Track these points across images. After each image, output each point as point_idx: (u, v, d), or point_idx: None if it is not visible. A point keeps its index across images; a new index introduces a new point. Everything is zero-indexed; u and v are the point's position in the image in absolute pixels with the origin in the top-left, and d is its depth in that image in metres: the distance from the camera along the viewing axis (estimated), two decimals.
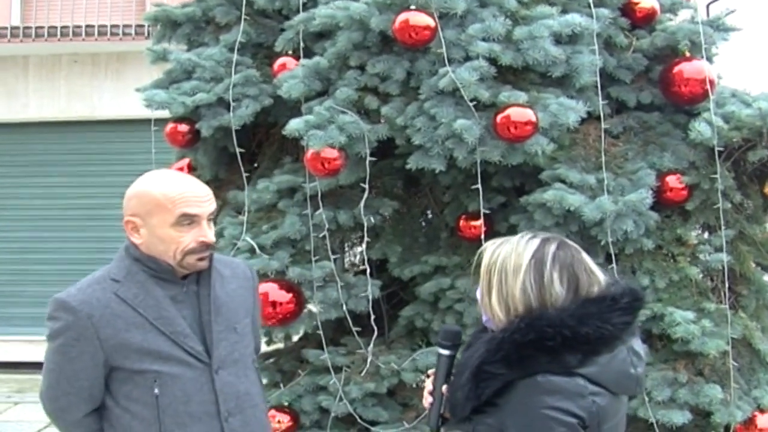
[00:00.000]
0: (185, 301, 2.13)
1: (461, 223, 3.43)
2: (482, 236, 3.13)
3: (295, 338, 3.97)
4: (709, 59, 3.56)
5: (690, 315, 3.11)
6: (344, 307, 3.39)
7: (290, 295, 3.31)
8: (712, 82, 3.30)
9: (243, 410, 2.16)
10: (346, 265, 4.13)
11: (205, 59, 3.65)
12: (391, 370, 3.39)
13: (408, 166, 3.23)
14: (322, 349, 3.46)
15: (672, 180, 3.30)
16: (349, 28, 3.23)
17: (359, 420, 3.36)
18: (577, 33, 3.17)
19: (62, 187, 9.92)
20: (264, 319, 3.17)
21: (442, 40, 3.08)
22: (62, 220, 9.91)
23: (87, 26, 9.38)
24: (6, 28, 9.48)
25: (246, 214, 3.53)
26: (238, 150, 3.57)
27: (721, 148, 3.25)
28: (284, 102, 3.48)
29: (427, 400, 2.03)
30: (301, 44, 3.51)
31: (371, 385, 3.37)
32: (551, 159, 3.24)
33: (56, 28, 9.38)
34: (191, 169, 3.93)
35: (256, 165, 4.00)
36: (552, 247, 1.81)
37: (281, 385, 3.53)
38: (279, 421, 3.31)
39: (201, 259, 2.11)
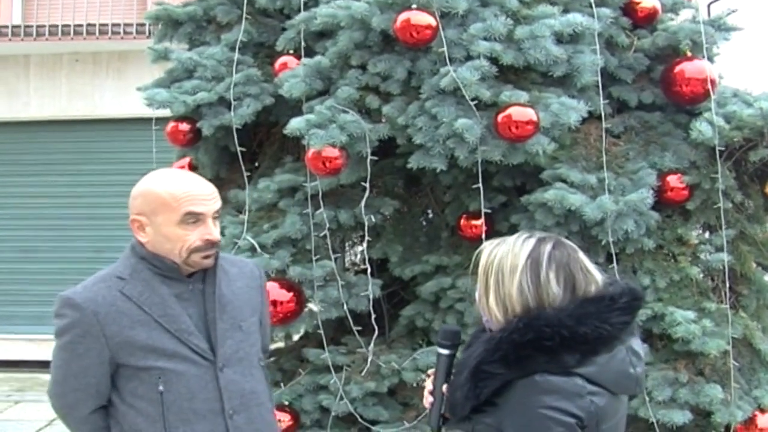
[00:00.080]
0: (191, 299, 2.15)
1: (462, 222, 3.43)
2: (483, 236, 3.13)
3: (296, 337, 3.97)
4: (711, 59, 3.56)
5: (691, 315, 3.11)
6: (345, 307, 3.40)
7: (291, 294, 3.31)
8: (713, 82, 3.30)
9: (248, 408, 2.17)
10: (347, 265, 4.13)
11: (206, 58, 3.65)
12: (392, 369, 3.39)
13: (409, 166, 3.23)
14: (323, 348, 3.47)
15: (673, 180, 3.30)
16: (351, 27, 3.23)
17: (360, 419, 3.37)
18: (578, 32, 3.17)
19: (63, 186, 9.92)
20: None
21: (444, 40, 3.08)
22: (63, 219, 9.91)
23: (88, 25, 9.38)
24: (7, 26, 9.48)
25: (247, 213, 3.54)
26: (239, 149, 3.57)
27: (722, 148, 3.25)
28: (285, 101, 3.48)
29: (427, 399, 2.03)
30: (303, 43, 3.51)
31: (372, 384, 3.37)
32: (552, 158, 3.24)
33: (57, 26, 9.38)
34: (192, 168, 3.93)
35: (257, 164, 4.01)
36: (548, 247, 1.81)
37: (282, 385, 3.53)
38: (280, 420, 3.30)
39: (206, 257, 2.13)
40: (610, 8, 3.41)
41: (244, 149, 3.61)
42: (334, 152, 3.16)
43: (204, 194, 2.12)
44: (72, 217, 9.91)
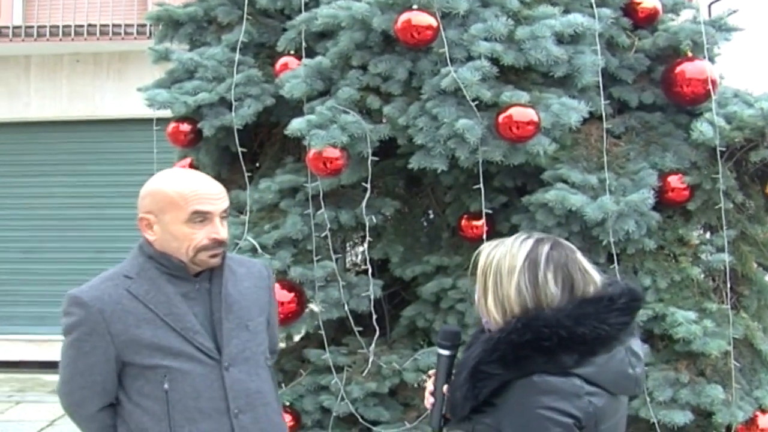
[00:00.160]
0: (197, 298, 2.15)
1: (463, 223, 3.43)
2: (484, 236, 3.13)
3: (297, 338, 3.97)
4: (711, 59, 3.56)
5: (692, 315, 3.11)
6: (346, 307, 3.40)
7: (292, 294, 3.31)
8: (714, 83, 3.30)
9: (254, 408, 2.17)
10: (348, 265, 4.13)
11: (207, 59, 3.65)
12: (393, 369, 3.39)
13: (410, 166, 3.23)
14: (324, 348, 3.47)
15: (674, 180, 3.30)
16: (351, 27, 3.24)
17: (361, 420, 3.37)
18: (579, 33, 3.17)
19: (64, 187, 9.92)
20: None
21: (444, 40, 3.08)
22: (63, 220, 9.91)
23: (89, 26, 9.38)
24: (8, 27, 9.48)
25: (248, 213, 3.54)
26: (240, 150, 3.57)
27: (723, 149, 3.25)
28: (286, 102, 3.48)
29: (428, 400, 2.03)
30: (303, 44, 3.51)
31: (373, 384, 3.37)
32: (553, 159, 3.24)
33: (58, 27, 9.38)
34: (193, 168, 3.93)
35: (257, 165, 4.01)
36: (545, 248, 1.82)
37: (283, 385, 3.53)
38: None
39: (213, 256, 2.13)
40: (610, 9, 3.41)
41: (245, 150, 3.61)
42: (335, 153, 3.16)
43: (212, 193, 2.13)
44: (73, 218, 9.91)
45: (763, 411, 3.18)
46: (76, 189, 9.91)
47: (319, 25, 3.38)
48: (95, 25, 9.36)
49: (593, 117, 3.30)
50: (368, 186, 3.31)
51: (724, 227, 3.24)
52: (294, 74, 3.38)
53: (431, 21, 3.07)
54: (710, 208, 3.33)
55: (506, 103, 3.02)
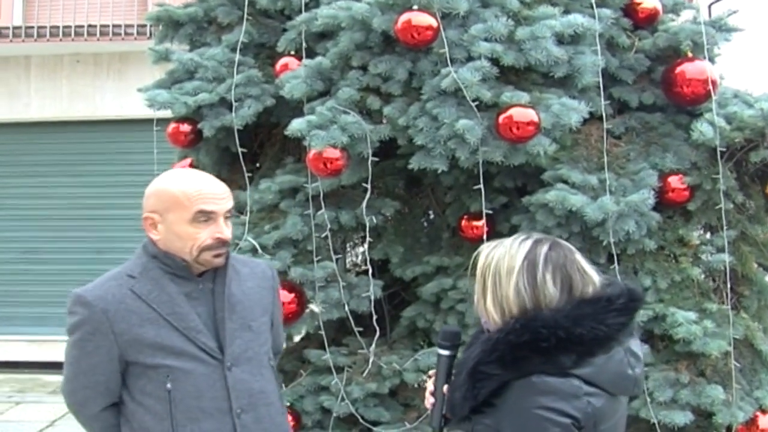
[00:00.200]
0: (200, 298, 2.16)
1: (463, 223, 3.43)
2: (484, 237, 3.13)
3: (297, 338, 3.97)
4: (712, 60, 3.56)
5: (692, 315, 3.10)
6: (346, 308, 3.40)
7: (292, 295, 3.31)
8: (714, 83, 3.30)
9: (256, 408, 2.18)
10: (348, 266, 4.13)
11: (207, 59, 3.65)
12: (393, 370, 3.39)
13: (410, 167, 3.23)
14: (324, 349, 3.47)
15: (674, 180, 3.30)
16: (352, 28, 3.23)
17: (361, 420, 3.37)
18: (579, 33, 3.17)
19: (64, 187, 9.93)
20: None
21: (445, 41, 3.08)
22: (63, 220, 9.91)
23: (89, 26, 9.39)
24: (8, 27, 9.48)
25: (248, 214, 3.54)
26: (240, 150, 3.57)
27: (723, 149, 3.25)
28: (286, 102, 3.48)
29: (428, 400, 2.03)
30: (304, 44, 3.51)
31: (373, 385, 3.37)
32: (553, 159, 3.24)
33: (58, 28, 9.39)
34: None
35: (258, 165, 4.01)
36: (544, 248, 1.82)
37: (283, 386, 3.53)
38: None
39: (217, 256, 2.14)
40: (610, 9, 3.41)
41: (245, 150, 3.61)
42: (335, 153, 3.16)
43: (216, 193, 2.14)
44: (73, 218, 9.92)
45: (763, 411, 3.18)
46: (76, 189, 9.92)
47: (320, 26, 3.38)
48: (95, 26, 9.37)
49: (593, 117, 3.30)
50: (368, 186, 3.31)
51: (725, 227, 3.24)
52: (294, 75, 3.38)
53: (431, 21, 3.07)
54: (710, 209, 3.33)
55: (506, 103, 3.02)
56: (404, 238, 3.70)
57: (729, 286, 3.31)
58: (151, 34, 8.13)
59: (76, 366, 2.15)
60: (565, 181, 3.17)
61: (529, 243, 1.84)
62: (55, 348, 9.24)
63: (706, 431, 3.19)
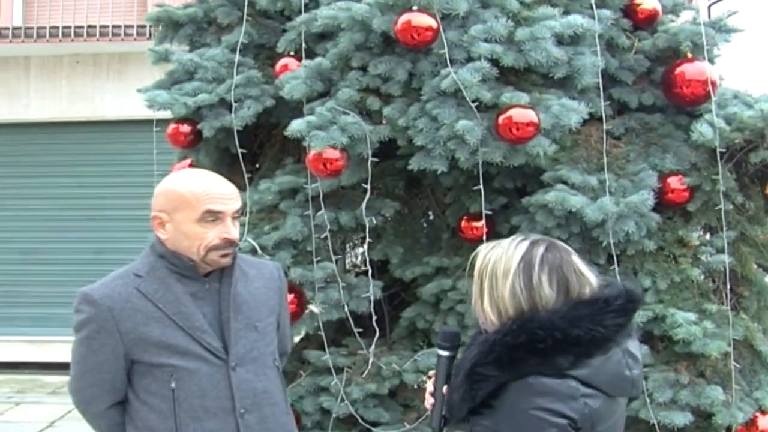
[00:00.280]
0: (206, 297, 2.17)
1: (463, 224, 3.43)
2: (484, 237, 3.13)
3: (297, 339, 3.97)
4: (711, 60, 3.56)
5: (691, 316, 3.10)
6: (346, 308, 3.40)
7: (292, 295, 3.31)
8: (713, 84, 3.30)
9: (260, 408, 2.18)
10: (348, 266, 4.13)
11: (206, 60, 3.65)
12: (393, 371, 3.39)
13: (410, 167, 3.23)
14: (324, 350, 3.47)
15: (673, 181, 3.30)
16: (351, 29, 3.24)
17: (361, 421, 3.37)
18: (579, 34, 3.17)
19: (63, 188, 9.93)
20: None
21: (444, 41, 3.08)
22: (63, 221, 9.91)
23: (88, 27, 9.39)
24: (7, 28, 9.48)
25: (248, 214, 3.54)
26: (239, 151, 3.57)
27: (723, 150, 3.25)
28: (286, 103, 3.48)
29: (428, 401, 2.04)
30: (303, 45, 3.51)
31: (372, 386, 3.37)
32: (553, 160, 3.24)
33: (58, 28, 9.39)
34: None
35: (257, 166, 4.01)
36: (540, 250, 1.82)
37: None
38: None
39: (224, 256, 2.15)
40: (610, 10, 3.41)
41: (244, 151, 3.61)
42: (335, 154, 3.16)
43: (224, 193, 2.15)
44: (72, 219, 9.92)
45: (763, 412, 3.18)
46: (76, 190, 9.92)
47: (319, 26, 3.38)
48: (95, 26, 9.37)
49: (593, 118, 3.30)
50: (368, 187, 3.31)
51: (724, 228, 3.24)
52: (294, 75, 3.38)
53: (431, 22, 3.07)
54: (710, 210, 3.33)
55: (506, 104, 3.02)
56: (404, 238, 3.70)
57: (729, 286, 3.31)
58: (150, 35, 8.13)
59: (82, 364, 2.17)
60: (565, 182, 3.17)
61: (525, 244, 1.84)
62: (54, 348, 9.25)
63: None
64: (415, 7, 3.09)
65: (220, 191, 2.14)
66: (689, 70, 3.32)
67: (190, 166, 3.92)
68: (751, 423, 3.16)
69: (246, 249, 3.37)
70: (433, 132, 3.09)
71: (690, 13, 3.74)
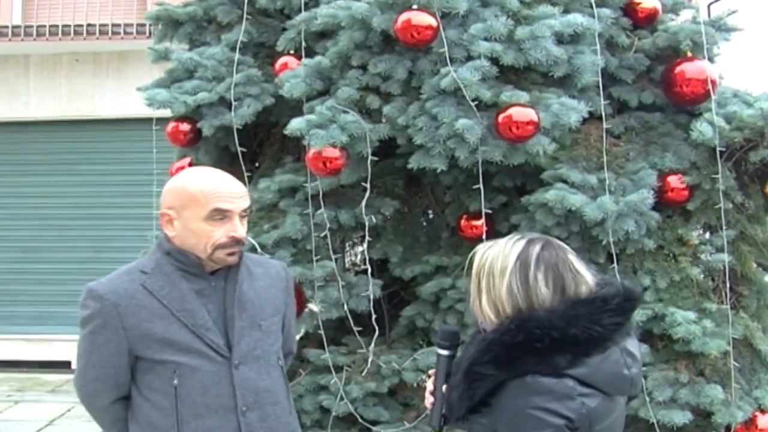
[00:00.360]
0: (211, 295, 2.18)
1: (462, 222, 3.43)
2: (483, 236, 3.13)
3: (296, 338, 3.97)
4: (711, 59, 3.56)
5: (691, 315, 3.11)
6: (345, 307, 3.40)
7: None
8: (713, 83, 3.30)
9: (262, 406, 2.19)
10: (347, 265, 4.13)
11: (206, 58, 3.65)
12: (392, 369, 3.39)
13: (409, 166, 3.23)
14: (323, 348, 3.47)
15: (673, 180, 3.31)
16: (351, 27, 3.23)
17: (360, 419, 3.37)
18: (578, 33, 3.17)
19: (62, 186, 9.93)
20: None
21: (444, 40, 3.08)
22: (62, 219, 9.91)
23: (88, 25, 9.38)
24: (7, 27, 9.48)
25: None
26: (239, 149, 3.57)
27: (723, 149, 3.25)
28: (286, 101, 3.48)
29: (428, 400, 2.04)
30: (303, 44, 3.51)
31: (372, 384, 3.37)
32: (553, 159, 3.24)
33: (57, 27, 9.38)
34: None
35: (257, 164, 4.01)
36: (536, 248, 1.82)
37: None
38: None
39: (231, 254, 2.16)
40: (610, 9, 3.41)
41: (244, 149, 3.62)
42: (335, 152, 3.16)
43: (232, 192, 2.16)
44: (72, 218, 9.91)
45: (762, 411, 3.18)
46: (75, 188, 9.91)
47: (319, 25, 3.38)
48: (94, 25, 9.36)
49: (593, 117, 3.30)
50: (368, 186, 3.31)
51: (724, 227, 3.24)
52: (293, 74, 3.38)
53: (431, 21, 3.07)
54: (710, 208, 3.33)
55: (506, 103, 3.02)
56: (403, 237, 3.70)
57: (728, 285, 3.31)
58: (150, 33, 8.13)
59: (86, 358, 2.18)
60: (565, 181, 3.17)
61: (522, 243, 1.84)
62: (54, 347, 9.25)
63: (705, 431, 3.19)
64: (414, 6, 3.09)
65: (228, 190, 2.15)
66: (689, 68, 3.33)
67: (190, 164, 3.92)
68: (751, 422, 3.16)
69: (245, 248, 3.37)
70: (432, 131, 3.09)
71: (690, 11, 3.74)
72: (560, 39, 3.14)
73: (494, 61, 3.08)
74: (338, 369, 3.46)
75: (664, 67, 3.44)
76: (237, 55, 3.63)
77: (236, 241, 2.15)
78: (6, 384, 8.81)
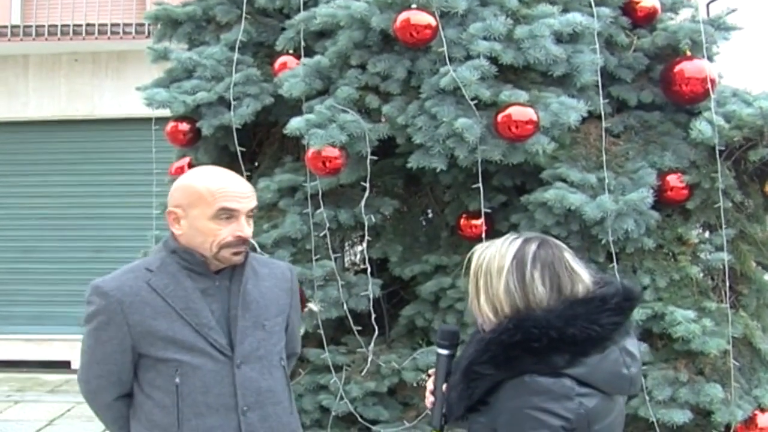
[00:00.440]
0: (215, 294, 2.18)
1: (462, 222, 3.43)
2: (483, 235, 3.13)
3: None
4: (710, 58, 3.56)
5: (691, 314, 3.11)
6: (345, 306, 3.40)
7: None
8: (712, 81, 3.30)
9: (263, 406, 2.19)
10: (347, 264, 4.13)
11: (205, 58, 3.65)
12: (392, 369, 3.39)
13: (409, 165, 3.23)
14: (323, 348, 3.47)
15: (673, 179, 3.31)
16: (350, 27, 3.23)
17: (360, 419, 3.37)
18: (578, 32, 3.17)
19: (62, 186, 9.92)
20: None
21: (443, 39, 3.08)
22: (62, 219, 9.90)
23: (87, 25, 9.37)
24: (6, 26, 9.47)
25: None
26: (238, 149, 3.57)
27: (722, 148, 3.25)
28: (285, 101, 3.48)
29: (428, 399, 2.04)
30: (302, 43, 3.51)
31: (372, 384, 3.38)
32: (552, 158, 3.24)
33: (56, 26, 9.37)
34: (191, 168, 3.93)
35: (256, 164, 4.01)
36: (533, 247, 1.82)
37: None
38: None
39: (236, 254, 2.16)
40: (609, 8, 3.41)
41: (243, 149, 3.62)
42: (334, 152, 3.16)
43: (240, 191, 2.16)
44: (71, 217, 9.90)
45: (762, 410, 3.19)
46: (75, 188, 9.90)
47: (318, 25, 3.38)
48: (94, 25, 9.35)
49: (592, 116, 3.30)
50: (367, 185, 3.31)
51: (723, 226, 3.24)
52: (293, 73, 3.38)
53: (430, 20, 3.07)
54: (709, 207, 3.33)
55: (505, 102, 3.02)
56: (403, 236, 3.70)
57: (728, 284, 3.32)
58: (149, 33, 8.13)
59: (90, 355, 2.18)
60: (564, 180, 3.17)
61: (518, 242, 1.84)
62: (54, 347, 9.25)
63: (704, 430, 3.19)
64: (414, 5, 3.09)
65: (235, 189, 2.15)
66: (688, 67, 3.33)
67: (189, 164, 3.93)
68: (750, 421, 3.16)
69: None
70: (432, 130, 3.09)
71: (689, 10, 3.74)
72: (559, 38, 3.14)
73: (493, 60, 3.08)
74: (338, 368, 3.46)
75: (664, 66, 3.44)
76: (236, 55, 3.63)
77: (242, 241, 2.15)
78: (6, 384, 8.80)
